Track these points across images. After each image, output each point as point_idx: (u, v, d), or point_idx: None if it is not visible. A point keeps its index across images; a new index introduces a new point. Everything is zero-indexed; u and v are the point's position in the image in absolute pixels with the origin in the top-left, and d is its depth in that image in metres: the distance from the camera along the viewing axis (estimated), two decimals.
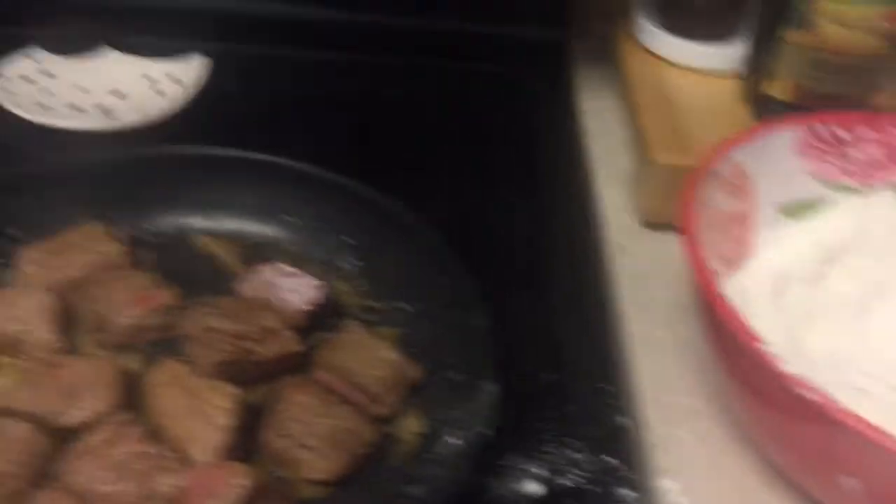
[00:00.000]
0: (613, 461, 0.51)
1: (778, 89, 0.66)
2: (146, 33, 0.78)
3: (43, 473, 0.46)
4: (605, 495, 0.49)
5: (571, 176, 0.72)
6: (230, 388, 0.49)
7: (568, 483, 0.50)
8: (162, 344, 0.54)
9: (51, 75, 0.75)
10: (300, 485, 0.48)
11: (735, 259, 0.56)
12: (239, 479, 0.44)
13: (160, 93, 0.74)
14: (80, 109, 0.72)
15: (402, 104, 0.80)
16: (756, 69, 0.68)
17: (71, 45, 0.77)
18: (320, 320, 0.56)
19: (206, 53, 0.77)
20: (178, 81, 0.75)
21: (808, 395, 0.41)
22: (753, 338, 0.43)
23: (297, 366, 0.53)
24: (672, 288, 0.61)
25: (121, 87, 0.75)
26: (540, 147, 0.75)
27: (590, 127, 0.76)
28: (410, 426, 0.51)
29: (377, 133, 0.76)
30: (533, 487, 0.50)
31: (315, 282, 0.57)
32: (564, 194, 0.71)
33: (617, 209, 0.68)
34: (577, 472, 0.50)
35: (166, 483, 0.45)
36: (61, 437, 0.48)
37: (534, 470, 0.50)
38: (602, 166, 0.73)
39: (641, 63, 0.75)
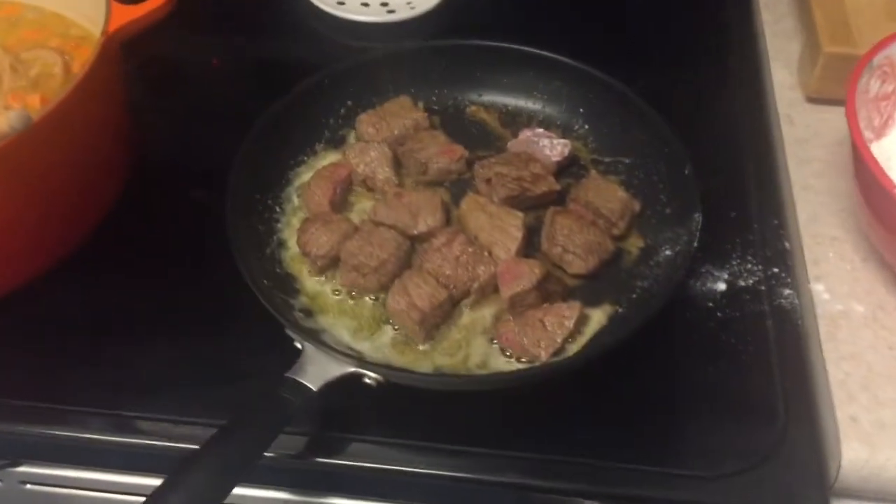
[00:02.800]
0: (779, 271, 0.74)
1: None
2: None
3: (406, 262, 0.72)
4: (771, 292, 0.72)
5: (752, 59, 0.92)
6: (518, 213, 0.73)
7: (745, 284, 0.73)
8: (459, 183, 0.79)
9: None
10: (565, 277, 0.73)
11: (881, 129, 0.75)
12: (535, 268, 0.69)
13: None
14: (367, 5, 0.95)
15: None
16: None
17: None
18: (566, 168, 0.80)
19: None
20: None
21: None
22: (889, 180, 0.63)
23: (555, 200, 0.77)
24: (825, 149, 0.81)
25: None
26: (728, 36, 0.94)
27: (766, 19, 0.94)
28: (636, 243, 0.75)
29: (602, 28, 0.97)
30: (721, 286, 0.73)
31: (563, 141, 0.80)
32: (746, 73, 0.90)
33: (786, 87, 0.87)
34: (752, 278, 0.73)
35: (484, 270, 0.71)
36: (411, 241, 0.74)
37: (722, 275, 0.73)
38: (776, 52, 0.91)
39: None
